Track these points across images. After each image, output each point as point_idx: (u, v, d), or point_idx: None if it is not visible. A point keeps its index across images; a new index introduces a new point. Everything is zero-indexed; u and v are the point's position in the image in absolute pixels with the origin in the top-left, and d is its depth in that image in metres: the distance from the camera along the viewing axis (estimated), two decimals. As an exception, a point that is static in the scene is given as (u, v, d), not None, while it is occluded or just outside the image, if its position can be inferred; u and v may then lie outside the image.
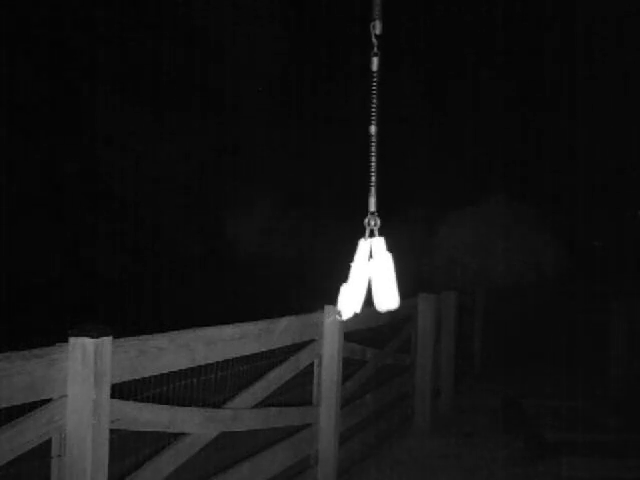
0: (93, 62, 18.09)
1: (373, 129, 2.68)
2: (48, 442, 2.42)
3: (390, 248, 2.60)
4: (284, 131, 20.08)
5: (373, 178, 2.67)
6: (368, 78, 2.69)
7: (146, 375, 2.82)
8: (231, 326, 3.37)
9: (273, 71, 20.30)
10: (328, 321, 4.22)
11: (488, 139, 19.03)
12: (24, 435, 2.27)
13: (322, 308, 4.21)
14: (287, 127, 20.22)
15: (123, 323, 4.05)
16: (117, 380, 2.61)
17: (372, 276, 2.59)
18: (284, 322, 3.83)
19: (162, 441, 3.02)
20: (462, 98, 19.79)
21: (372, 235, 2.62)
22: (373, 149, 2.69)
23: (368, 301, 2.63)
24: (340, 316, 2.63)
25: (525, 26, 20.22)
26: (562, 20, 19.53)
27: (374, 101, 2.69)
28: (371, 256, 2.60)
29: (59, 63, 17.08)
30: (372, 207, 2.66)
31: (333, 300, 2.69)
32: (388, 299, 2.58)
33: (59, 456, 2.43)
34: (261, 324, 3.63)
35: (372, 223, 2.63)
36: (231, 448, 4.23)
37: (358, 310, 2.61)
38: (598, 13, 18.34)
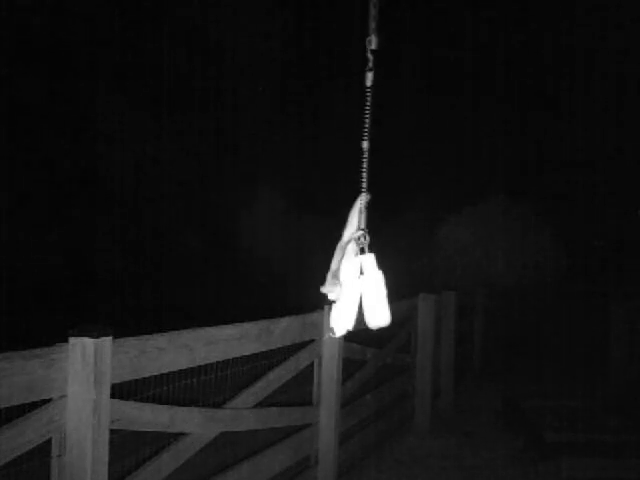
0: (93, 62, 18.09)
1: (365, 145, 2.62)
2: (48, 442, 2.42)
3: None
4: (284, 131, 20.07)
5: (364, 195, 2.63)
6: (363, 92, 2.61)
7: (146, 375, 2.82)
8: (231, 326, 3.37)
9: (273, 71, 20.30)
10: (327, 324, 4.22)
11: (488, 139, 19.03)
12: (24, 435, 2.27)
13: (322, 308, 4.20)
14: (287, 127, 20.22)
15: (123, 323, 4.04)
16: (117, 380, 2.61)
17: (363, 293, 2.57)
18: (284, 322, 3.83)
19: (162, 441, 3.02)
20: (462, 98, 19.79)
21: (362, 252, 2.61)
22: (364, 166, 2.63)
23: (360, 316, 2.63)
24: (333, 334, 2.63)
25: (525, 29, 20.23)
26: (562, 22, 19.55)
27: (367, 117, 2.62)
28: (361, 273, 2.59)
29: (59, 63, 17.08)
30: (362, 224, 2.63)
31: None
32: (379, 316, 2.58)
33: (59, 456, 2.43)
34: (261, 324, 3.62)
35: (362, 240, 2.61)
36: (231, 448, 4.23)
37: (350, 327, 2.60)
38: (597, 17, 18.37)
